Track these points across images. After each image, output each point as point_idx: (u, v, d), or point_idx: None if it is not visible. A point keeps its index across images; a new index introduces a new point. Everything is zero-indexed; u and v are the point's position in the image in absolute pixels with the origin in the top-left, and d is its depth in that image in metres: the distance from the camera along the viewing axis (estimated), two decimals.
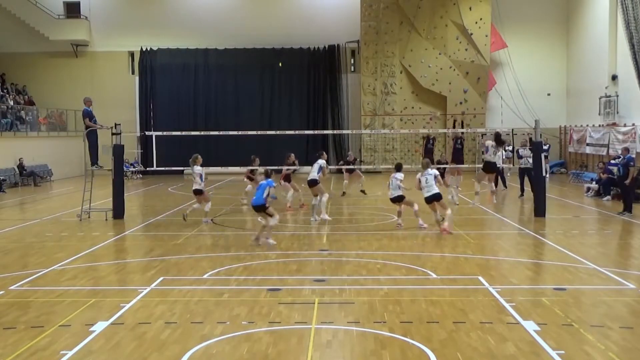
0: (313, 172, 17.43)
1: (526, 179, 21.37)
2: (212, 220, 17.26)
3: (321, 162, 17.65)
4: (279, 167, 19.64)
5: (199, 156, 17.12)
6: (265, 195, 13.14)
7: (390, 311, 8.59)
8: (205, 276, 10.82)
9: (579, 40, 34.35)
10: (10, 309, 8.94)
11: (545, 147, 24.87)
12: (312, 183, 17.20)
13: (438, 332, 7.70)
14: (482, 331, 7.72)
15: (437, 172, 14.93)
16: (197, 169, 16.79)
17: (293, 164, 19.95)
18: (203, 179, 16.80)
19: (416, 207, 15.20)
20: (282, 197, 19.90)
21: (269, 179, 13.45)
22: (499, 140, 18.21)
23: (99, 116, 19.95)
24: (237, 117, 36.39)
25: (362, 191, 22.91)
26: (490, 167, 18.18)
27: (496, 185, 24.52)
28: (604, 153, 28.36)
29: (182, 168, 29.23)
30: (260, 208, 13.24)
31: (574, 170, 31.01)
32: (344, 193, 23.03)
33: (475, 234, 14.94)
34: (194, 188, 16.95)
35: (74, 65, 37.70)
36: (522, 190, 21.93)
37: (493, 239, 14.72)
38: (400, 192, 15.30)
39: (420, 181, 14.91)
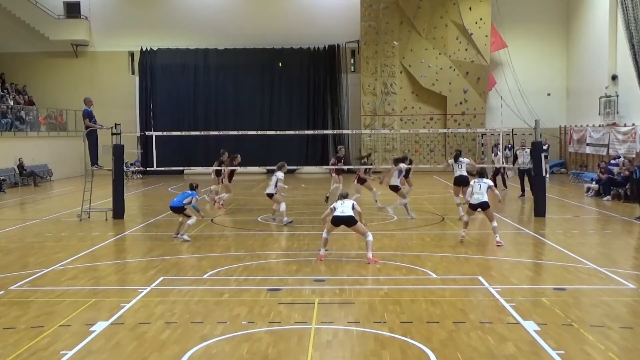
0: (271, 186, 16.43)
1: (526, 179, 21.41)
2: (212, 220, 17.25)
3: (279, 174, 16.54)
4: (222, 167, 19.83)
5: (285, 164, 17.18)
6: (186, 202, 14.39)
7: (390, 311, 8.59)
8: (205, 276, 10.82)
9: (579, 40, 34.35)
10: (10, 309, 8.94)
11: (544, 147, 24.85)
12: (270, 196, 16.49)
13: (438, 332, 7.70)
14: (482, 331, 7.72)
15: (491, 183, 14.05)
16: (280, 174, 16.57)
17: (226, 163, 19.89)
18: (277, 185, 16.43)
19: (495, 223, 13.85)
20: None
21: (193, 191, 14.60)
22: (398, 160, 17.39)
23: (99, 116, 19.95)
24: (237, 117, 36.42)
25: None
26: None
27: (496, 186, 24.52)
28: (604, 153, 28.37)
29: (182, 168, 29.39)
30: (179, 210, 14.46)
31: (574, 170, 31.01)
32: (327, 198, 19.79)
33: (475, 234, 14.93)
34: (267, 192, 16.62)
35: (74, 65, 37.71)
36: (523, 190, 21.92)
37: (493, 239, 14.69)
38: (486, 199, 13.67)
39: (472, 187, 13.85)
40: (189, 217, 14.41)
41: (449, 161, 18.08)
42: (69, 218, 18.26)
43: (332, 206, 12.17)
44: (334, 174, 20.03)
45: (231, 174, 20.07)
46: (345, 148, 36.58)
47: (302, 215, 18.39)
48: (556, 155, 34.78)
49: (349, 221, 11.87)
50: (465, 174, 17.20)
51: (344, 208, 11.93)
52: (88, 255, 12.94)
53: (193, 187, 14.79)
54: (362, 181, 18.53)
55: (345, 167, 21.84)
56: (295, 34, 36.62)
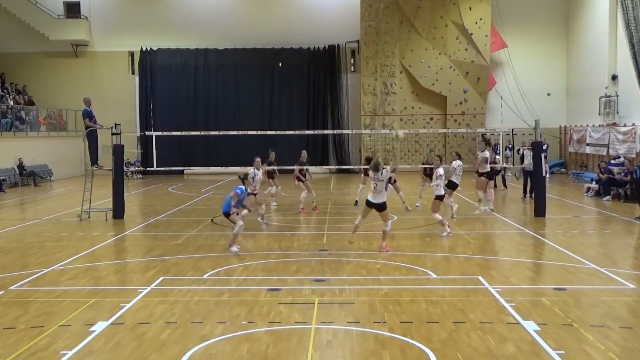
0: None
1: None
2: (212, 220, 17.26)
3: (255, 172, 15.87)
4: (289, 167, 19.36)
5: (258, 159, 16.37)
6: (233, 203, 12.80)
7: (390, 311, 8.59)
8: (205, 276, 10.82)
9: (579, 40, 34.35)
10: (10, 309, 8.94)
11: (544, 148, 24.81)
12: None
13: (438, 332, 7.70)
14: (482, 331, 7.72)
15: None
16: (254, 172, 15.72)
17: (305, 162, 19.28)
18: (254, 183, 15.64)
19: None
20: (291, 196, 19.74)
21: (240, 186, 12.94)
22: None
23: (99, 116, 19.95)
24: (237, 117, 36.44)
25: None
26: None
27: (496, 185, 24.54)
28: (604, 153, 28.37)
29: (182, 168, 29.42)
30: (225, 215, 13.03)
31: (574, 170, 31.01)
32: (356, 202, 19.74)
33: (475, 234, 14.94)
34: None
35: (74, 65, 37.71)
36: (525, 191, 21.83)
37: (493, 239, 14.72)
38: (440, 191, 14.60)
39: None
40: (234, 222, 12.82)
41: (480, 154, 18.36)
42: (69, 218, 18.26)
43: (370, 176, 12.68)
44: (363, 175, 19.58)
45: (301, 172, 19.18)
46: (346, 149, 36.79)
47: (303, 215, 18.38)
48: (556, 155, 34.77)
49: (379, 207, 12.54)
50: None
51: (376, 194, 12.47)
52: (88, 255, 12.94)
53: (241, 179, 13.07)
54: (300, 179, 19.20)
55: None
56: (295, 34, 36.62)
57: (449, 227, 14.58)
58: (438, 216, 14.53)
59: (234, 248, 12.75)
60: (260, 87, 37.38)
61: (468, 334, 7.64)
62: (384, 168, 12.61)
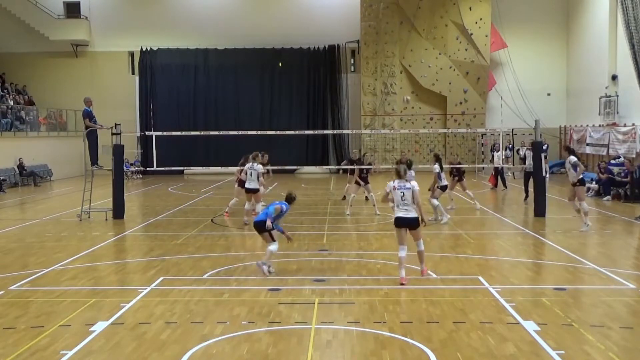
0: (253, 179, 15.88)
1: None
2: (212, 220, 17.27)
3: (258, 167, 15.96)
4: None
5: (259, 154, 16.30)
6: (274, 215, 10.65)
7: (390, 311, 8.60)
8: (205, 276, 10.82)
9: (579, 40, 34.36)
10: (10, 309, 8.94)
11: (543, 147, 24.76)
12: (253, 191, 15.94)
13: (438, 332, 7.70)
14: (482, 331, 7.72)
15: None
16: (258, 167, 15.90)
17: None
18: (259, 178, 15.92)
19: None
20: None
21: (285, 202, 10.89)
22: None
23: (99, 116, 19.94)
24: (237, 117, 36.44)
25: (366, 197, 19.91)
26: None
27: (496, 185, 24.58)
28: (604, 153, 28.38)
29: (182, 168, 29.41)
30: (259, 226, 10.77)
31: None
32: (344, 197, 21.11)
33: (475, 234, 14.94)
34: (248, 186, 16.01)
35: (74, 65, 37.71)
36: (527, 193, 21.75)
37: (493, 239, 14.72)
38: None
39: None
40: (270, 239, 10.75)
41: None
42: (69, 218, 18.25)
43: (392, 184, 10.17)
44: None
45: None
46: (346, 149, 36.80)
47: (302, 215, 18.38)
48: (556, 155, 34.75)
49: (412, 224, 10.13)
50: None
51: (407, 206, 10.08)
52: (88, 255, 12.93)
53: (291, 198, 11.07)
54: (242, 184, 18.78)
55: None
56: (295, 34, 36.61)
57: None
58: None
59: (266, 268, 10.62)
60: (260, 87, 37.37)
61: (468, 334, 7.65)
62: (406, 176, 10.30)
